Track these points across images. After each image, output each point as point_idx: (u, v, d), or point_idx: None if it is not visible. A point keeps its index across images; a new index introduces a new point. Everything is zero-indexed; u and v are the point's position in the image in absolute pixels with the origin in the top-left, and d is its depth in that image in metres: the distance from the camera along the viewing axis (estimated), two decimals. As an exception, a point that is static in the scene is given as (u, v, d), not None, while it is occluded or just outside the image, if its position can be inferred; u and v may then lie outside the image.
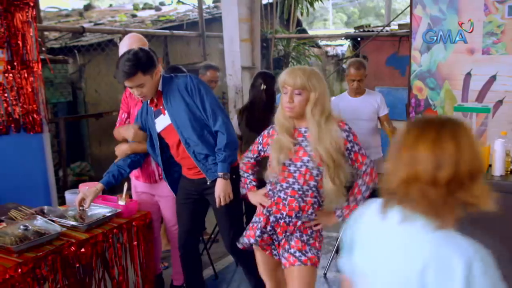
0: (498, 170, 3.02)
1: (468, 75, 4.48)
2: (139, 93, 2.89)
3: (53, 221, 2.87)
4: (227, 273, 4.08)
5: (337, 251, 4.23)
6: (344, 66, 4.24)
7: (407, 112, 4.95)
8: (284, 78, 2.41)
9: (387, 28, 8.68)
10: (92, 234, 2.83)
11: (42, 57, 4.06)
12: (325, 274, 4.00)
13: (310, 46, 10.77)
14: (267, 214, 2.51)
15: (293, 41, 10.08)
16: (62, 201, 3.79)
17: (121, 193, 3.23)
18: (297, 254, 2.43)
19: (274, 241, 2.55)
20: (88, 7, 11.15)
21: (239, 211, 3.17)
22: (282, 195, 2.46)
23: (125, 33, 5.41)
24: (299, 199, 2.42)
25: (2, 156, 3.75)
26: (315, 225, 2.46)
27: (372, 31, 9.00)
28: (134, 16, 9.85)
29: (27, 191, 3.84)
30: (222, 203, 2.94)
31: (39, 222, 2.81)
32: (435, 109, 4.72)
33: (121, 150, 3.19)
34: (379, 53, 8.62)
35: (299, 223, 2.44)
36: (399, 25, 8.92)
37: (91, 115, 6.47)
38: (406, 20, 8.90)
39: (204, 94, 2.93)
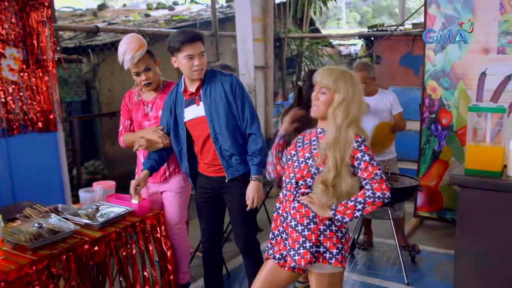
0: (513, 170, 2.99)
1: (483, 74, 4.44)
2: (200, 64, 2.89)
3: (67, 219, 2.89)
4: (239, 272, 4.08)
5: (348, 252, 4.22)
6: (353, 68, 4.22)
7: (421, 112, 4.92)
8: (315, 75, 2.41)
9: (401, 28, 8.63)
10: (105, 232, 2.85)
11: (56, 56, 4.09)
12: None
13: (323, 46, 10.73)
14: (277, 213, 2.51)
15: (306, 40, 10.06)
16: (76, 199, 3.82)
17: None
18: (292, 252, 2.36)
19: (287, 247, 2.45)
20: (102, 7, 11.22)
21: (254, 213, 3.17)
22: (284, 191, 2.45)
23: (138, 32, 5.43)
24: (294, 192, 2.39)
25: (17, 154, 3.79)
26: (303, 199, 2.35)
27: (386, 30, 8.94)
28: (147, 15, 9.88)
29: (42, 190, 3.88)
30: (255, 205, 2.96)
31: (53, 220, 2.83)
32: (449, 109, 4.69)
33: (153, 142, 3.16)
34: (393, 53, 8.57)
35: (292, 211, 2.38)
36: (413, 24, 8.86)
37: (105, 114, 6.52)
38: (420, 19, 8.84)
39: (245, 97, 3.00)
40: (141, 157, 3.42)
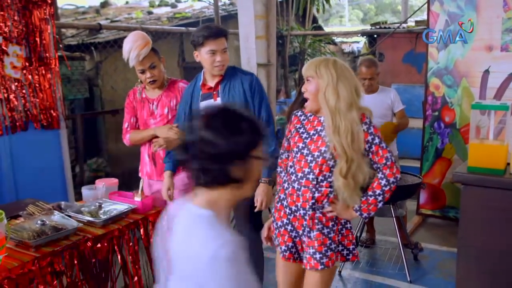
0: (516, 168, 2.98)
1: (486, 72, 4.43)
2: (222, 60, 2.90)
3: (70, 216, 2.90)
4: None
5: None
6: (358, 63, 4.24)
7: (424, 110, 4.91)
8: (302, 70, 2.45)
9: (404, 25, 8.60)
10: (108, 229, 2.85)
11: (59, 54, 4.09)
12: (340, 272, 3.98)
13: (326, 43, 10.71)
14: (281, 204, 2.51)
15: (308, 38, 10.03)
16: (79, 196, 3.82)
17: (137, 189, 3.25)
18: (318, 256, 2.36)
19: (294, 239, 2.47)
20: (104, 4, 11.20)
21: (259, 210, 3.20)
22: (296, 185, 2.41)
23: (141, 30, 5.43)
24: (313, 189, 2.36)
25: (20, 152, 3.80)
26: (329, 212, 2.38)
27: (389, 28, 8.93)
28: (150, 13, 9.89)
29: (45, 187, 3.88)
30: (263, 208, 2.98)
31: (56, 217, 2.84)
32: (452, 107, 4.68)
33: (172, 141, 3.16)
34: (396, 50, 8.55)
35: (317, 214, 2.37)
36: (416, 21, 8.84)
37: (108, 111, 6.52)
38: (423, 16, 8.81)
39: (263, 98, 3.02)
40: (145, 155, 3.41)
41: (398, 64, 8.54)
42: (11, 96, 3.71)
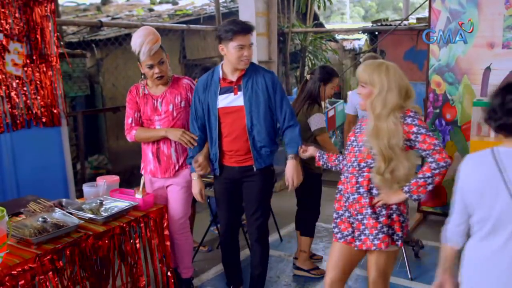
0: (517, 166, 2.97)
1: (488, 69, 4.42)
2: (248, 54, 2.97)
3: (71, 213, 2.90)
4: (243, 266, 4.08)
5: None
6: (361, 60, 4.22)
7: (425, 107, 4.91)
8: (357, 71, 2.57)
9: (405, 22, 8.59)
10: (109, 226, 2.86)
11: (60, 51, 4.09)
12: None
13: (327, 40, 10.68)
14: (340, 194, 2.63)
15: (310, 35, 10.01)
16: (80, 194, 3.83)
17: (138, 186, 3.25)
18: (370, 237, 2.49)
19: (352, 225, 2.58)
20: (105, 2, 11.19)
21: (269, 199, 3.25)
22: (346, 174, 2.59)
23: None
24: (357, 175, 2.52)
25: (21, 149, 3.81)
26: (377, 202, 2.50)
27: (390, 25, 8.91)
28: (151, 10, 9.88)
29: (46, 184, 3.89)
30: (295, 185, 3.04)
31: (58, 215, 2.84)
32: (453, 104, 4.67)
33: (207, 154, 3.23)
34: (397, 48, 8.54)
35: (363, 199, 2.50)
36: (418, 19, 8.82)
37: (109, 108, 6.51)
38: (425, 13, 8.80)
39: (284, 94, 3.11)
40: (148, 152, 3.38)
41: (399, 61, 8.45)
42: (12, 94, 3.71)
